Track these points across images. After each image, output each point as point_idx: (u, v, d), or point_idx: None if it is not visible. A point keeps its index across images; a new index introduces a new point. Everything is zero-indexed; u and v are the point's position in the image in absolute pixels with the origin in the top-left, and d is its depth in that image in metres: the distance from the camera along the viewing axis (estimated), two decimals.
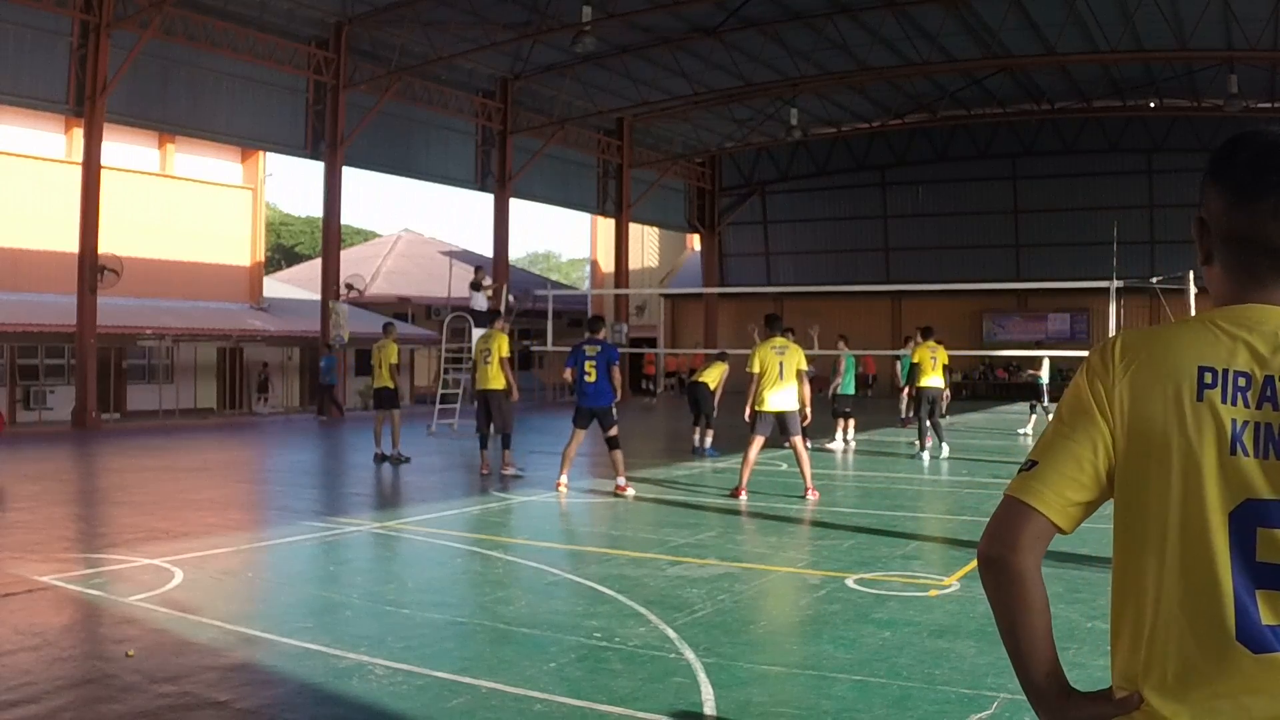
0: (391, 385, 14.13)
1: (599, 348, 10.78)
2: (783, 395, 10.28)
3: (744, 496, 10.20)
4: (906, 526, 8.97)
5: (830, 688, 4.45)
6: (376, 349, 14.37)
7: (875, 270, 37.61)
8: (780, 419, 10.29)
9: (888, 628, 5.39)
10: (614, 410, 10.74)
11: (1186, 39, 23.99)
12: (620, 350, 11.62)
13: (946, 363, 14.77)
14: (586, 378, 10.69)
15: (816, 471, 10.87)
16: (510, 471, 12.13)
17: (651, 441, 17.20)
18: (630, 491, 10.50)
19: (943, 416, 14.45)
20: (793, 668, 4.80)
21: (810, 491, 10.21)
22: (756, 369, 10.35)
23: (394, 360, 14.28)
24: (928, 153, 36.76)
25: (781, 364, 10.31)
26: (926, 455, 14.17)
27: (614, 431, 10.72)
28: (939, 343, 14.83)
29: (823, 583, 6.54)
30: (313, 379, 29.10)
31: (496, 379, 12.29)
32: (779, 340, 10.49)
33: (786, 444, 10.56)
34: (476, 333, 18.38)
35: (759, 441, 10.35)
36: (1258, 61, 24.87)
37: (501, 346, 12.30)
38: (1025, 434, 18.88)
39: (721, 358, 16.22)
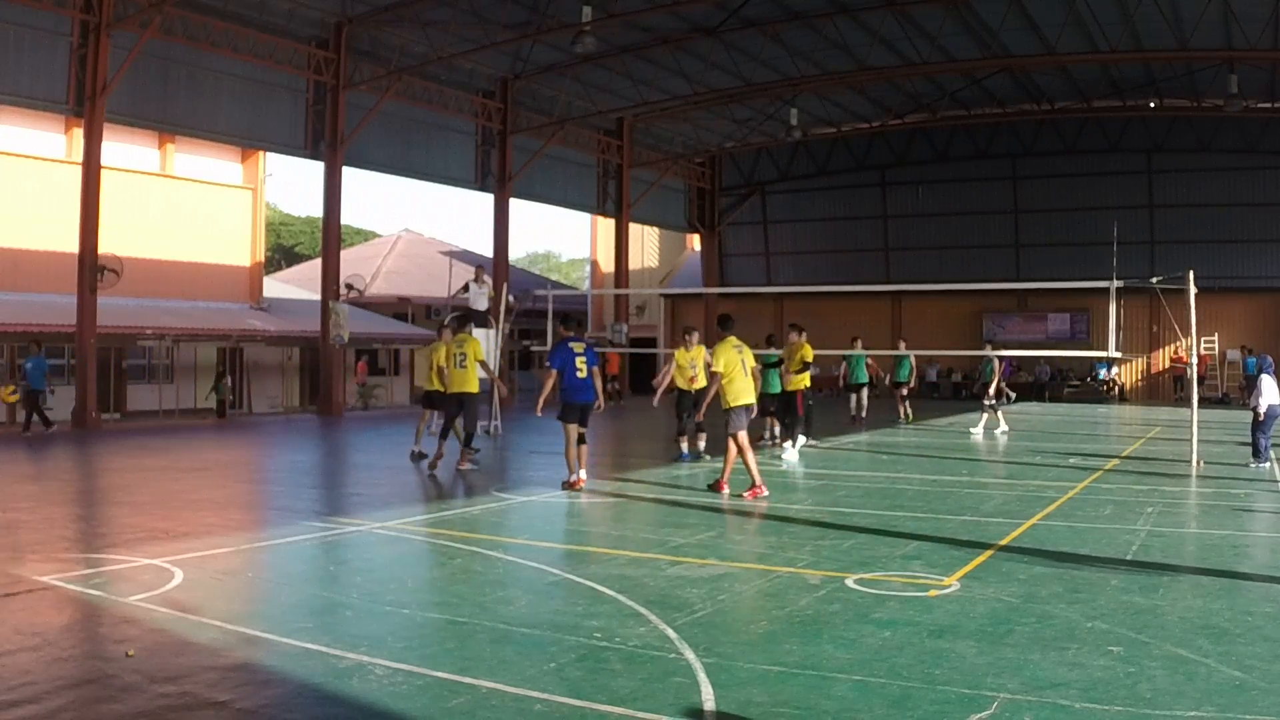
0: (437, 387, 14.02)
1: (584, 345, 11.06)
2: (750, 388, 10.57)
3: (726, 491, 10.40)
4: (906, 526, 8.96)
5: (830, 688, 4.45)
6: (427, 350, 14.50)
7: (875, 270, 37.61)
8: (748, 412, 10.52)
9: (888, 628, 5.38)
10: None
11: (1186, 39, 24.00)
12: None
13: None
14: (578, 374, 10.83)
15: (817, 471, 10.88)
16: (466, 466, 12.64)
17: (650, 442, 17.19)
18: (583, 485, 10.74)
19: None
20: (793, 668, 4.79)
21: (723, 487, 10.44)
22: (720, 368, 10.44)
23: (442, 363, 14.15)
24: (928, 153, 36.77)
25: (743, 360, 10.55)
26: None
27: (587, 426, 11.03)
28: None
29: (823, 583, 6.53)
30: (311, 379, 29.09)
31: (474, 382, 12.84)
32: (734, 340, 10.64)
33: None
34: (478, 333, 18.38)
35: (739, 437, 10.46)
36: (1258, 61, 24.87)
37: (476, 350, 12.98)
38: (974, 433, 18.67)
39: (688, 332, 14.78)
